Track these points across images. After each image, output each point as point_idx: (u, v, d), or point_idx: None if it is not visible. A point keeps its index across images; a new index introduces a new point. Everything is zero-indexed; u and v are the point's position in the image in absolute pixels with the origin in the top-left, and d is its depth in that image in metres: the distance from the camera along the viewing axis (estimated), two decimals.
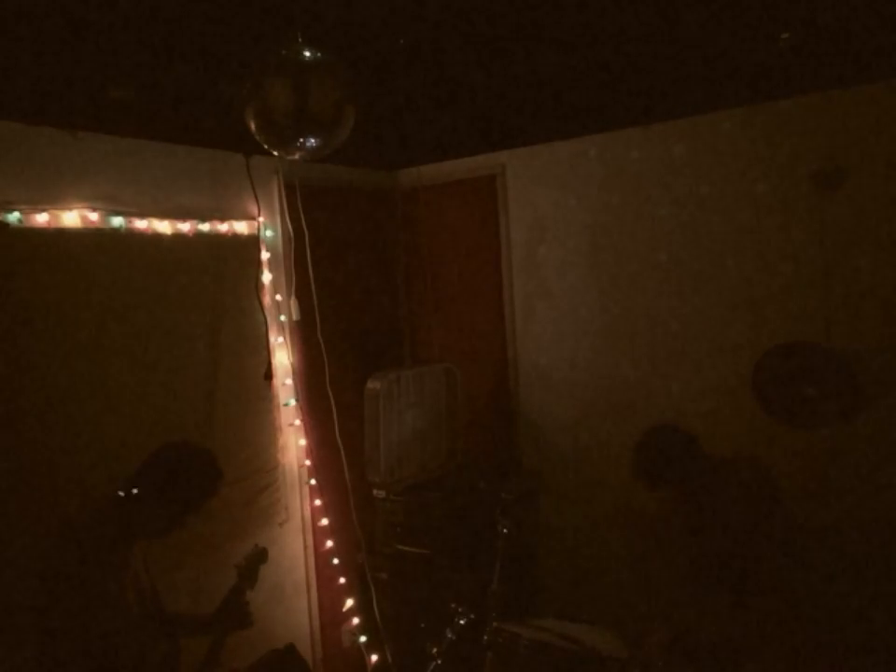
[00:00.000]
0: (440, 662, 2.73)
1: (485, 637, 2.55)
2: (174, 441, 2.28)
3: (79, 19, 1.76)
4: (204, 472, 2.23)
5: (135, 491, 2.11)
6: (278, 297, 3.29)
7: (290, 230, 3.27)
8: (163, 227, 2.82)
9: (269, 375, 3.23)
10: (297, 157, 1.99)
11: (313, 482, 3.38)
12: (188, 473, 2.18)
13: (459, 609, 2.78)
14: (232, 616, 2.38)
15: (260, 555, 2.49)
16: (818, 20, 2.11)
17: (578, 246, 3.48)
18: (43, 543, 2.24)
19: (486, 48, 2.23)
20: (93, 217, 2.58)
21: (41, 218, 2.44)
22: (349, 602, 3.41)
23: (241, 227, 3.14)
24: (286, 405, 3.31)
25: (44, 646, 1.99)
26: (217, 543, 2.93)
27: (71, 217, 2.53)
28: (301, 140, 1.91)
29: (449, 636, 2.74)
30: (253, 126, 1.91)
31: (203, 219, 2.97)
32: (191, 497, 2.19)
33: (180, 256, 2.89)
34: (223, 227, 3.06)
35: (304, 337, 3.35)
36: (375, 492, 3.36)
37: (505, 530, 2.72)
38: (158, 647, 2.21)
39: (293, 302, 3.28)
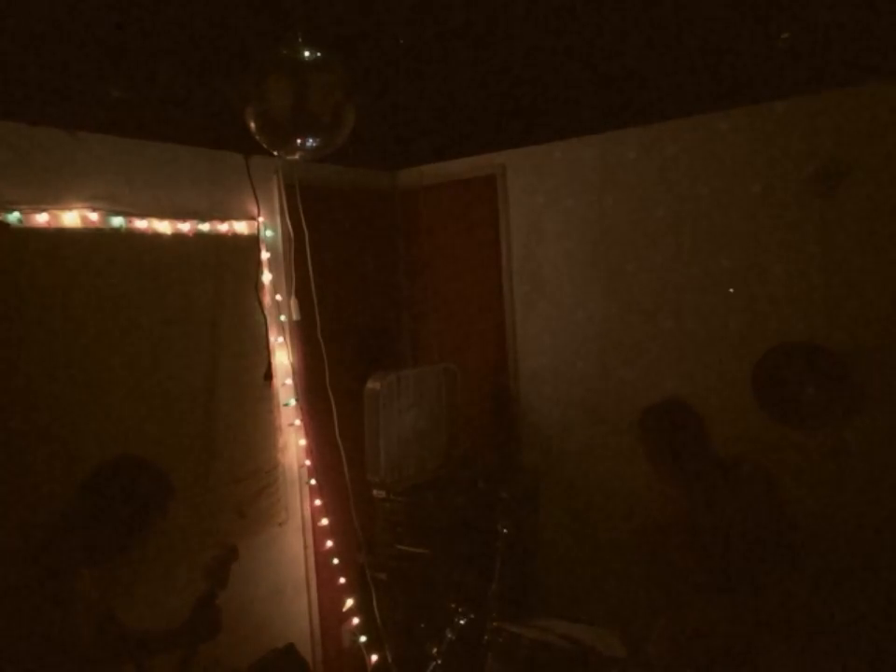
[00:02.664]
0: (440, 662, 2.73)
1: (485, 637, 2.55)
2: (117, 456, 2.09)
3: (79, 18, 1.76)
4: (151, 488, 2.04)
5: (75, 514, 1.95)
6: (278, 297, 3.29)
7: (290, 230, 3.27)
8: (163, 227, 2.82)
9: (269, 375, 3.23)
10: (297, 157, 1.99)
11: (313, 482, 3.37)
12: (132, 491, 1.99)
13: (459, 609, 2.79)
14: (203, 624, 2.20)
15: (230, 554, 2.34)
16: (818, 20, 2.11)
17: (577, 246, 3.48)
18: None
19: (486, 48, 2.24)
20: (93, 216, 2.58)
21: (41, 218, 2.44)
22: (349, 602, 3.40)
23: (241, 227, 3.14)
24: (286, 405, 3.31)
25: None
26: (217, 543, 2.92)
27: (71, 217, 2.52)
28: (301, 140, 1.92)
29: (449, 636, 2.75)
30: (253, 126, 1.91)
31: (203, 219, 2.97)
32: (138, 517, 2.00)
33: (180, 256, 2.88)
34: (223, 227, 3.06)
35: (304, 337, 3.34)
36: (375, 492, 3.36)
37: (505, 530, 2.72)
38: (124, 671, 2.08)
39: (293, 302, 3.27)
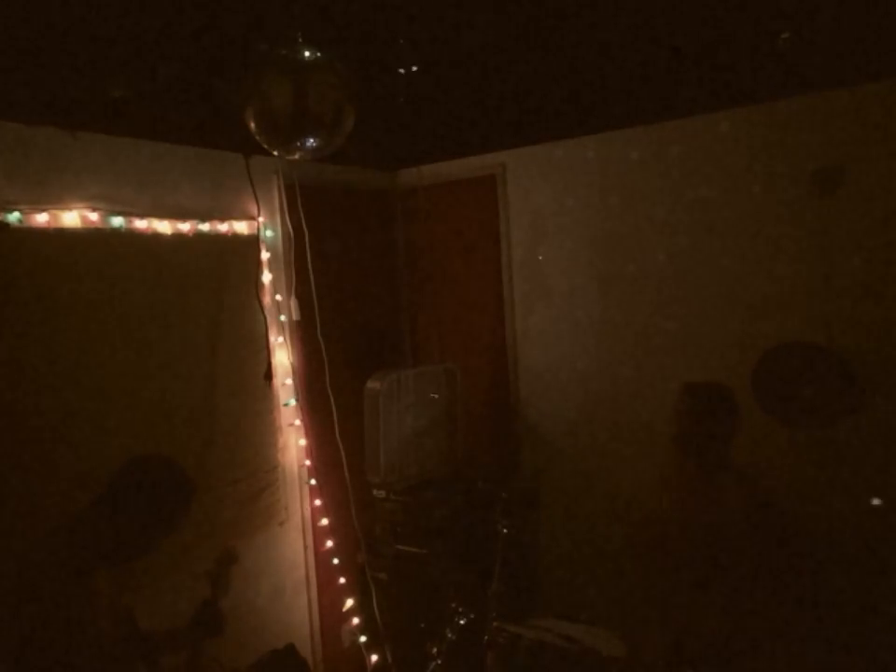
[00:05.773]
0: (440, 662, 2.73)
1: (485, 637, 2.55)
2: (139, 455, 2.12)
3: (79, 19, 1.76)
4: (174, 488, 2.07)
5: (99, 513, 1.98)
6: (278, 297, 3.29)
7: (290, 230, 3.27)
8: (163, 227, 2.82)
9: (269, 375, 3.23)
10: (297, 157, 1.99)
11: (313, 482, 3.37)
12: (155, 491, 2.02)
13: (459, 609, 2.79)
14: (205, 624, 2.26)
15: (229, 557, 2.39)
16: (818, 20, 2.11)
17: (577, 246, 3.48)
18: (12, 566, 2.04)
19: (486, 48, 2.24)
20: (93, 217, 2.58)
21: (41, 218, 2.44)
22: (349, 602, 3.40)
23: (241, 227, 3.14)
24: (286, 405, 3.31)
25: None
26: (217, 544, 2.93)
27: (71, 217, 2.53)
28: (301, 140, 1.92)
29: (449, 636, 2.75)
30: (253, 126, 1.91)
31: (203, 219, 2.97)
32: (160, 517, 2.03)
33: (180, 256, 2.88)
34: (223, 227, 3.06)
35: (304, 337, 3.34)
36: (375, 492, 3.36)
37: (505, 530, 2.72)
38: (136, 671, 2.12)
39: (293, 302, 3.28)
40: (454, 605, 2.83)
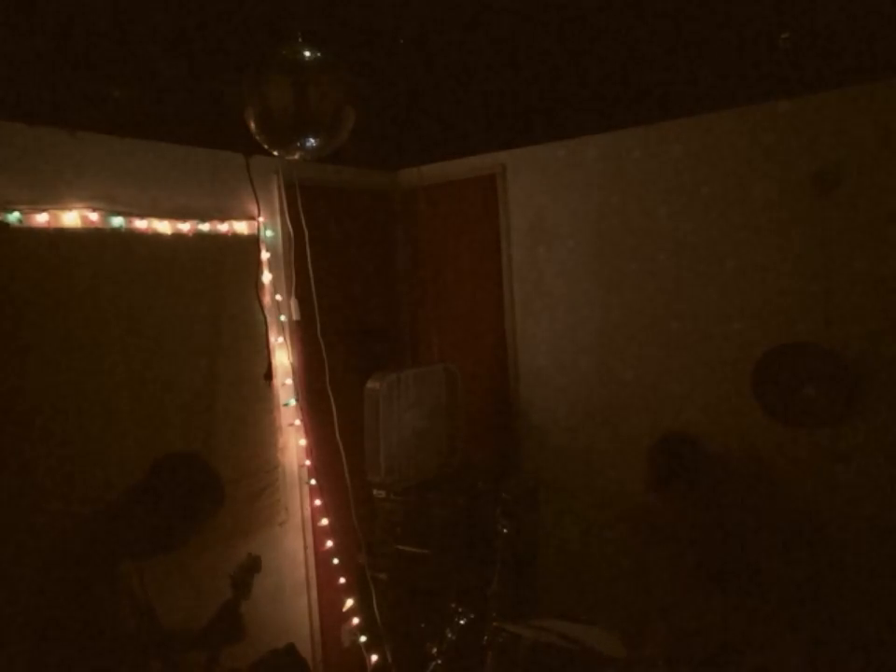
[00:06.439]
0: (440, 662, 2.73)
1: (485, 637, 2.55)
2: (173, 452, 2.15)
3: (79, 18, 1.76)
4: (205, 487, 2.10)
5: (132, 507, 2.01)
6: (278, 297, 3.29)
7: (290, 230, 3.27)
8: (163, 227, 2.82)
9: (269, 375, 3.23)
10: (297, 157, 1.99)
11: (313, 482, 3.38)
12: (187, 489, 2.04)
13: (459, 609, 2.79)
14: (225, 629, 2.28)
15: (254, 564, 2.40)
16: (818, 20, 2.11)
17: (578, 246, 3.48)
18: (36, 558, 2.10)
19: (486, 48, 2.24)
20: (93, 217, 2.58)
21: (41, 218, 2.44)
22: (349, 602, 3.40)
23: (241, 227, 3.14)
24: (286, 405, 3.31)
25: (37, 666, 1.87)
26: (217, 543, 2.93)
27: (71, 217, 2.52)
28: (301, 140, 1.92)
29: (449, 636, 2.74)
30: (253, 126, 1.91)
31: (203, 219, 2.97)
32: (193, 513, 2.06)
33: (180, 256, 2.88)
34: (223, 227, 3.06)
35: (304, 337, 3.35)
36: (375, 492, 3.36)
37: (505, 530, 2.72)
38: (153, 667, 2.13)
39: (293, 302, 3.28)
40: (454, 605, 2.82)
